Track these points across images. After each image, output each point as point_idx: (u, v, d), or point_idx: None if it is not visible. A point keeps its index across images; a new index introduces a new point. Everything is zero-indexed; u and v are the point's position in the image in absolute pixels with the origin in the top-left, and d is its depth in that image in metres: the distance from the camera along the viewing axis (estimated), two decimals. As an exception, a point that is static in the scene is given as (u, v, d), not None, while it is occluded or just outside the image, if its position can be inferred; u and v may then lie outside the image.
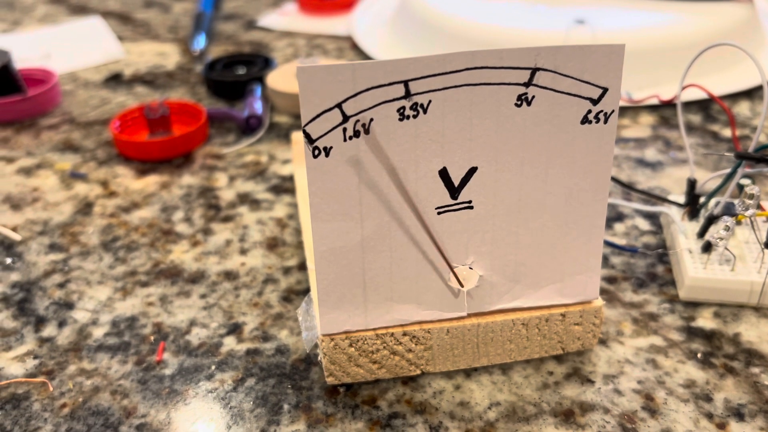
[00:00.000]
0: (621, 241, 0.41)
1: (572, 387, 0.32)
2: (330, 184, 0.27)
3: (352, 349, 0.31)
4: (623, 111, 0.54)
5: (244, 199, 0.46)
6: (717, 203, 0.37)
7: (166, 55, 0.67)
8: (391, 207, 0.28)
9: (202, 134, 0.52)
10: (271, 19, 0.74)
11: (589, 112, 0.28)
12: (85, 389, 0.33)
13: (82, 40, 0.71)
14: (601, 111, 0.28)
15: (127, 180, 0.48)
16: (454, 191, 0.29)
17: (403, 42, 0.66)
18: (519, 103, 0.27)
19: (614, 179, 0.42)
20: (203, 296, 0.38)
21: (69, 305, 0.38)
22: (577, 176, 0.29)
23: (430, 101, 0.27)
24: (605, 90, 0.28)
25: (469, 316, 0.32)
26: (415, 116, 0.27)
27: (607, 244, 0.39)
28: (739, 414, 0.30)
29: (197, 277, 0.39)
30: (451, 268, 0.30)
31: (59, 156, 0.52)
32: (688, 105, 0.55)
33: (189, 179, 0.48)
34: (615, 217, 0.43)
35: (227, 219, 0.44)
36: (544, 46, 0.27)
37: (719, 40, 0.35)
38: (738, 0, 0.63)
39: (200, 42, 0.67)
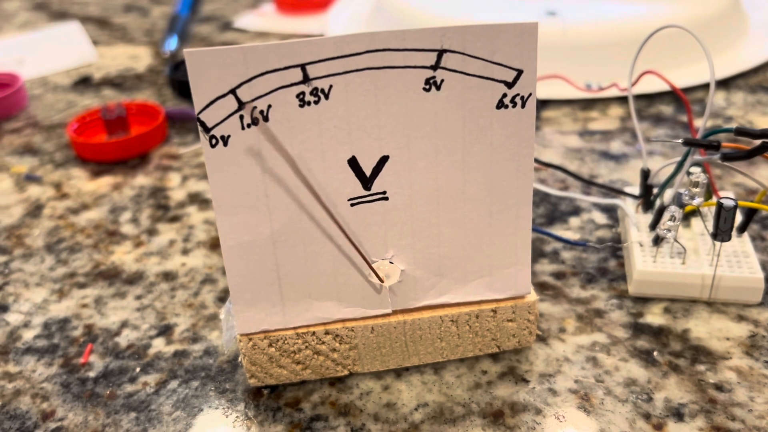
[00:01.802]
0: (575, 236, 0.39)
1: (505, 387, 0.30)
2: (231, 175, 0.26)
3: (272, 349, 0.30)
4: (592, 103, 0.53)
5: (194, 198, 0.45)
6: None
7: (138, 58, 0.67)
8: (300, 198, 0.27)
9: (160, 134, 0.51)
10: (247, 20, 0.74)
11: (505, 95, 0.27)
12: (6, 393, 0.32)
13: (57, 45, 0.71)
14: (518, 94, 0.27)
15: (80, 182, 0.48)
16: (366, 181, 0.27)
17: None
18: (427, 87, 0.26)
19: (562, 169, 0.40)
20: (138, 297, 0.37)
21: (3, 308, 0.37)
22: (497, 164, 0.28)
23: (331, 86, 0.26)
24: (520, 72, 0.26)
25: (395, 313, 0.30)
26: (316, 102, 0.26)
27: (555, 238, 0.38)
28: (678, 414, 0.29)
29: (135, 278, 0.38)
30: (368, 263, 0.29)
31: (18, 159, 0.51)
32: (661, 96, 0.53)
33: (142, 180, 0.47)
34: (571, 210, 0.41)
35: (174, 219, 0.43)
36: (450, 26, 0.25)
37: (694, 28, 0.33)
38: (719, -12, 0.61)
39: (171, 44, 0.66)
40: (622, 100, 0.53)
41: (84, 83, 0.63)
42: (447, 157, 0.28)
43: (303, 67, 0.25)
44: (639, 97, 0.53)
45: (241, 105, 0.25)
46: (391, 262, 0.29)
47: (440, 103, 0.26)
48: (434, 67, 0.26)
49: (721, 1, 0.60)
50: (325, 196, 0.27)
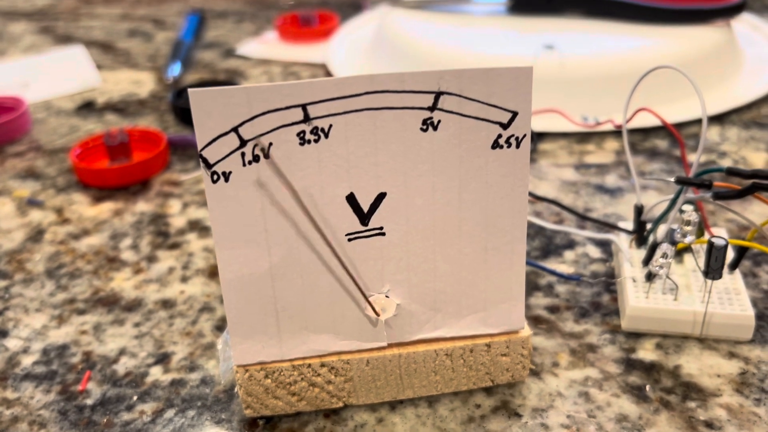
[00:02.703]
0: (570, 269, 0.40)
1: (498, 421, 0.31)
2: (232, 210, 0.27)
3: (269, 380, 0.30)
4: (588, 136, 0.53)
5: (194, 226, 0.45)
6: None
7: (141, 83, 0.68)
8: (298, 233, 0.28)
9: (162, 161, 0.52)
10: (250, 48, 0.75)
11: (500, 136, 0.27)
12: (4, 419, 0.32)
13: (61, 69, 0.72)
14: (512, 135, 0.27)
15: (82, 207, 0.48)
16: (363, 217, 0.28)
17: (379, 70, 0.66)
18: (425, 127, 0.27)
19: (557, 203, 0.41)
20: (137, 325, 0.37)
21: (3, 333, 0.37)
22: (492, 202, 0.28)
23: (331, 125, 0.26)
24: (515, 114, 0.27)
25: (390, 346, 0.31)
26: (316, 140, 0.26)
27: (550, 272, 0.38)
28: (669, 451, 0.29)
29: (134, 306, 0.39)
30: (365, 296, 0.29)
31: (20, 183, 0.52)
32: (656, 130, 0.54)
33: (143, 206, 0.48)
34: (566, 244, 0.42)
35: (174, 246, 0.44)
36: (447, 70, 0.26)
37: (689, 64, 0.34)
38: (715, 24, 0.62)
39: (174, 70, 0.67)
40: (618, 133, 0.54)
41: (87, 108, 0.64)
42: (443, 195, 0.28)
43: (304, 107, 0.26)
44: (634, 131, 0.53)
45: (243, 143, 0.26)
46: (387, 296, 0.30)
47: (437, 143, 0.27)
48: (431, 108, 0.26)
49: (717, 37, 0.61)
50: (323, 231, 0.28)
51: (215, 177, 0.26)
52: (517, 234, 0.29)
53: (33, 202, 0.49)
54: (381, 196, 0.28)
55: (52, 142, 0.58)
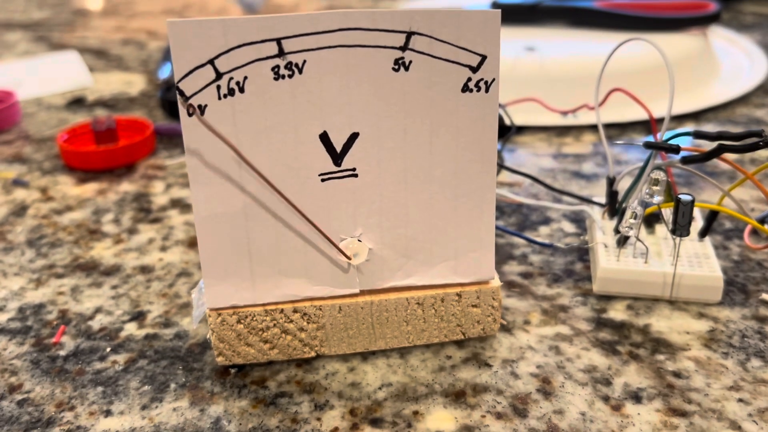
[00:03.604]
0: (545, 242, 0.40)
1: (469, 370, 0.31)
2: (206, 145, 0.27)
3: (241, 325, 0.30)
4: (567, 130, 0.54)
5: (176, 203, 0.46)
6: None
7: (132, 84, 0.69)
8: (272, 171, 0.28)
9: (148, 146, 0.53)
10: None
11: (469, 80, 0.28)
12: (-24, 368, 0.32)
13: (55, 70, 0.73)
14: (482, 79, 0.28)
15: (66, 187, 0.49)
16: (336, 157, 0.29)
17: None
18: (396, 67, 0.28)
19: (533, 177, 0.42)
20: (114, 287, 0.38)
21: (-20, 294, 0.38)
22: (462, 146, 0.29)
23: (305, 61, 0.27)
24: (484, 57, 0.28)
25: (362, 293, 0.31)
26: (290, 76, 0.27)
27: (524, 238, 0.39)
28: (636, 397, 0.29)
29: (112, 271, 0.39)
30: (331, 241, 0.29)
31: (6, 167, 0.52)
32: (634, 125, 0.55)
33: (127, 187, 0.48)
34: (542, 220, 0.42)
35: (155, 221, 0.44)
36: (418, 9, 0.27)
37: (671, 66, 0.36)
38: (690, 32, 0.64)
39: (165, 71, 0.68)
40: (596, 127, 0.55)
41: (77, 103, 0.64)
42: (414, 138, 0.29)
43: (279, 41, 0.27)
44: (612, 126, 0.54)
45: (219, 75, 0.27)
46: (359, 240, 0.30)
47: (408, 84, 0.28)
48: (403, 48, 0.27)
49: (692, 43, 0.62)
50: (296, 170, 0.28)
51: (191, 110, 0.27)
52: (487, 181, 0.30)
53: (18, 183, 0.50)
54: (354, 136, 0.29)
55: (40, 132, 0.58)
